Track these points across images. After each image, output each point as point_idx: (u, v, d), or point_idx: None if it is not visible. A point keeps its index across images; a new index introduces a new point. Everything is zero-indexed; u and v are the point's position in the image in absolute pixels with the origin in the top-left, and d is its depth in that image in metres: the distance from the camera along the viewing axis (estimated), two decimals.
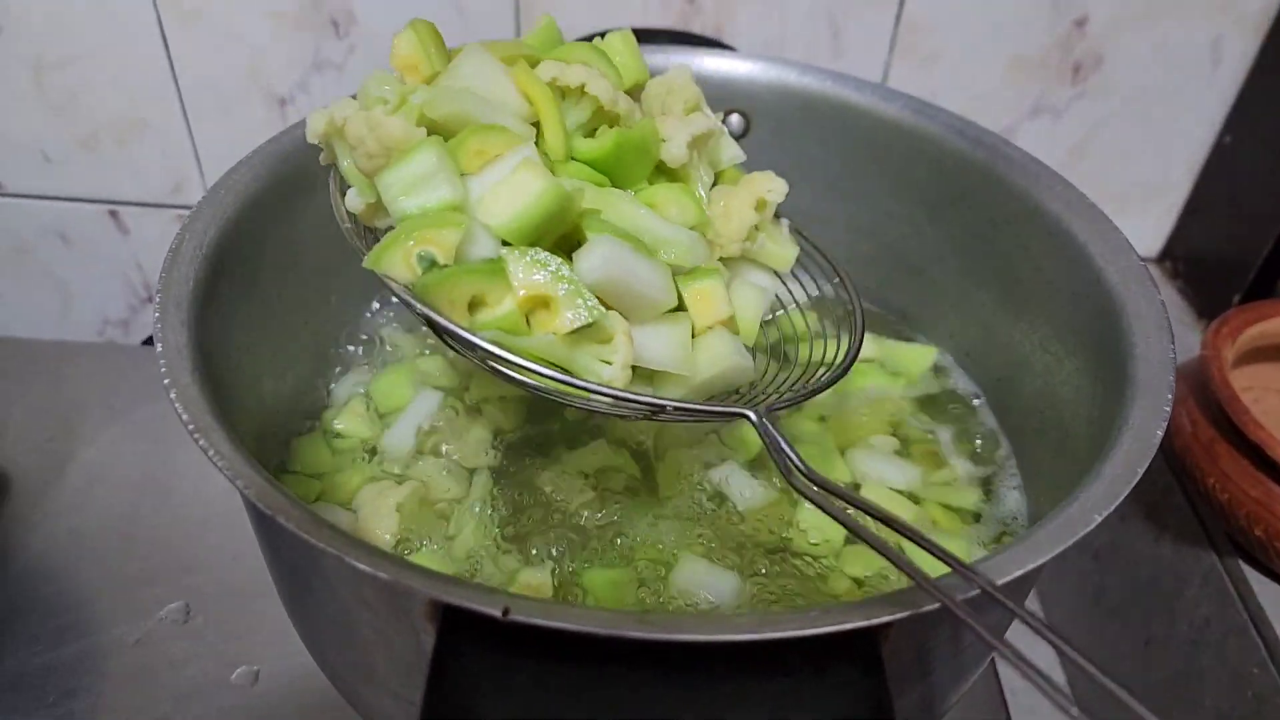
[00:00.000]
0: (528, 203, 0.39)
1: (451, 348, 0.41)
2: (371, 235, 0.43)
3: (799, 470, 0.33)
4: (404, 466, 0.53)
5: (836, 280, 0.46)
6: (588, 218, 0.40)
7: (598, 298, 0.39)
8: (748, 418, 0.38)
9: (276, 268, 0.49)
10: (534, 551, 0.46)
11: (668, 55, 0.54)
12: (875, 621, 0.27)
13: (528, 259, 0.39)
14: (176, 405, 0.33)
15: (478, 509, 0.49)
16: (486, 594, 0.26)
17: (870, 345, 0.59)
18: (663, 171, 0.46)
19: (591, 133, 0.44)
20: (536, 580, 0.44)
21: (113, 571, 0.73)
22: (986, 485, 0.52)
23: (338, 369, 0.59)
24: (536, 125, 0.43)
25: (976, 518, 0.50)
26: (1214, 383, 0.60)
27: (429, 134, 0.41)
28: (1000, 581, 0.29)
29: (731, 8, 0.78)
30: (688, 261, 0.42)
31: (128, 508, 0.78)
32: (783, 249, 0.48)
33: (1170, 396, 0.35)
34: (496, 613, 0.26)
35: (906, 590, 0.28)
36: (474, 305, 0.39)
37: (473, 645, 0.27)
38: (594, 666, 0.26)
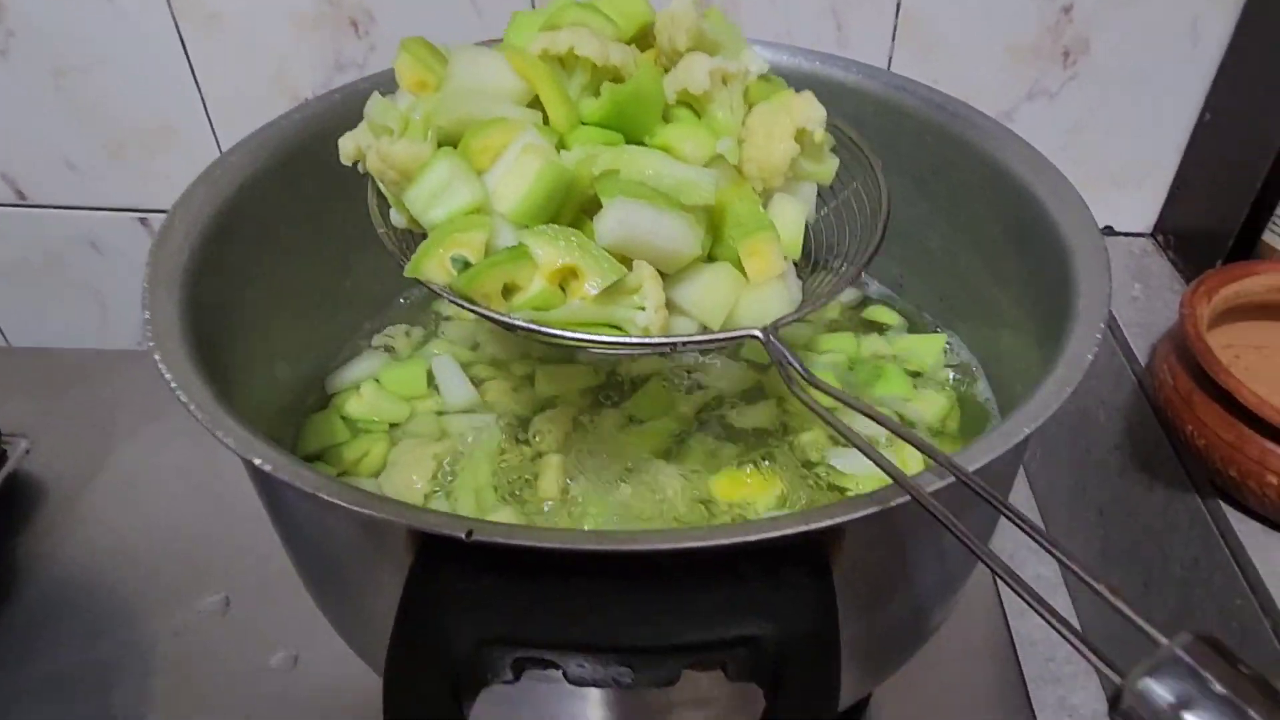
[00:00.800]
0: (530, 185, 0.42)
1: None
2: (408, 236, 0.46)
3: (801, 378, 0.36)
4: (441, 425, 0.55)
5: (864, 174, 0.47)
6: (603, 181, 0.43)
7: (623, 255, 0.42)
8: (756, 337, 0.40)
9: (280, 250, 0.52)
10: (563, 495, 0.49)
11: None
12: (817, 526, 0.29)
13: (546, 237, 0.42)
14: (161, 367, 0.36)
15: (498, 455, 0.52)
16: (451, 519, 0.29)
17: (881, 343, 0.63)
18: (687, 103, 0.47)
19: (598, 90, 0.46)
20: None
21: (151, 569, 0.75)
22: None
23: (349, 354, 0.61)
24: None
25: None
26: (1189, 338, 0.64)
27: (440, 144, 0.44)
28: (971, 468, 0.32)
29: (737, 3, 0.82)
30: (708, 199, 0.43)
31: (165, 507, 0.80)
32: (822, 166, 0.48)
33: (1103, 324, 0.39)
34: (461, 534, 0.28)
35: (859, 498, 0.31)
36: (510, 290, 0.43)
37: (444, 568, 0.29)
38: (557, 581, 0.29)
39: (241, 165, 0.48)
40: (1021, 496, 0.97)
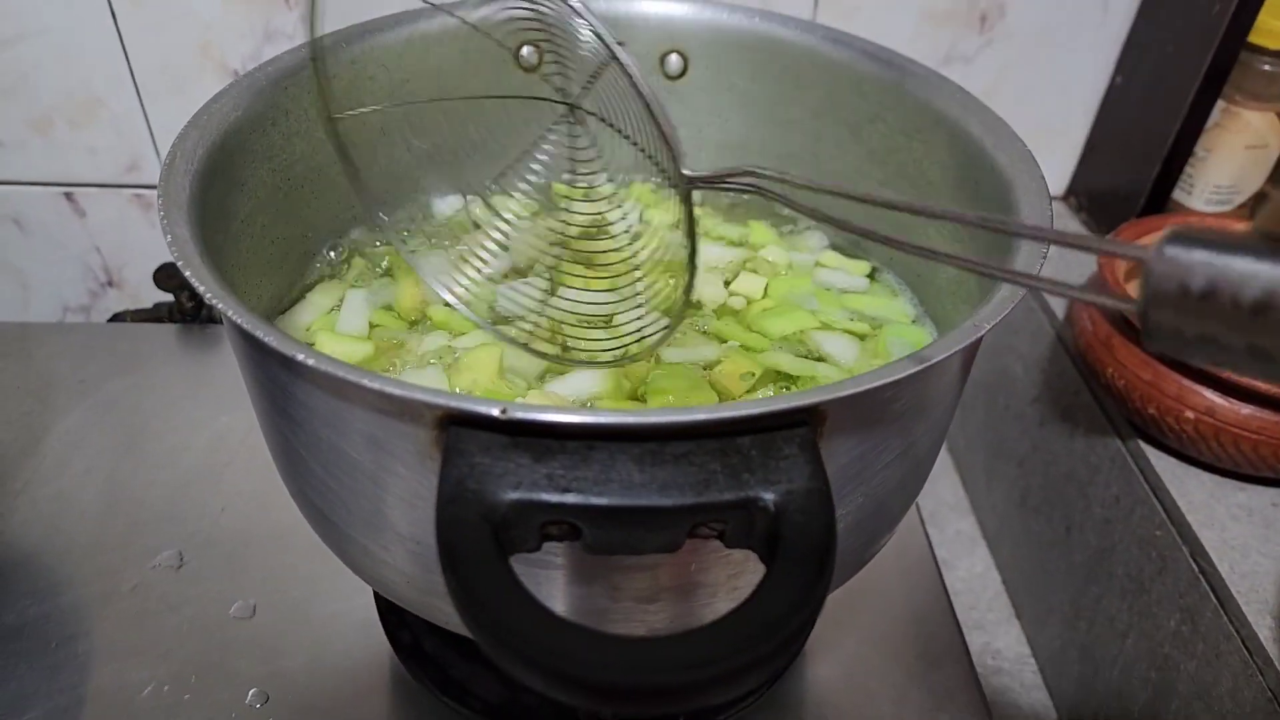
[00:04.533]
0: None
1: None
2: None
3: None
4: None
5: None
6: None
7: None
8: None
9: (267, 190, 0.53)
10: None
11: (611, 1, 0.60)
12: (806, 402, 0.33)
13: None
14: (194, 282, 0.37)
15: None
16: (485, 400, 0.32)
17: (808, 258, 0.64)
18: None
19: None
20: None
21: (100, 529, 0.75)
22: None
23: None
24: None
25: None
26: (1107, 285, 0.68)
27: None
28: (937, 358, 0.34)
29: None
30: None
31: (109, 471, 0.80)
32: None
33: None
34: (495, 412, 0.31)
35: (844, 381, 0.34)
36: None
37: (477, 444, 0.32)
38: (579, 454, 0.32)
39: (225, 111, 0.48)
40: (939, 456, 1.00)
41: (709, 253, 0.60)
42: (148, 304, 0.95)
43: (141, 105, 0.90)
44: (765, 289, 0.58)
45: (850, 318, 0.56)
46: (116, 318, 0.93)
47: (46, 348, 0.91)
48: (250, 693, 0.62)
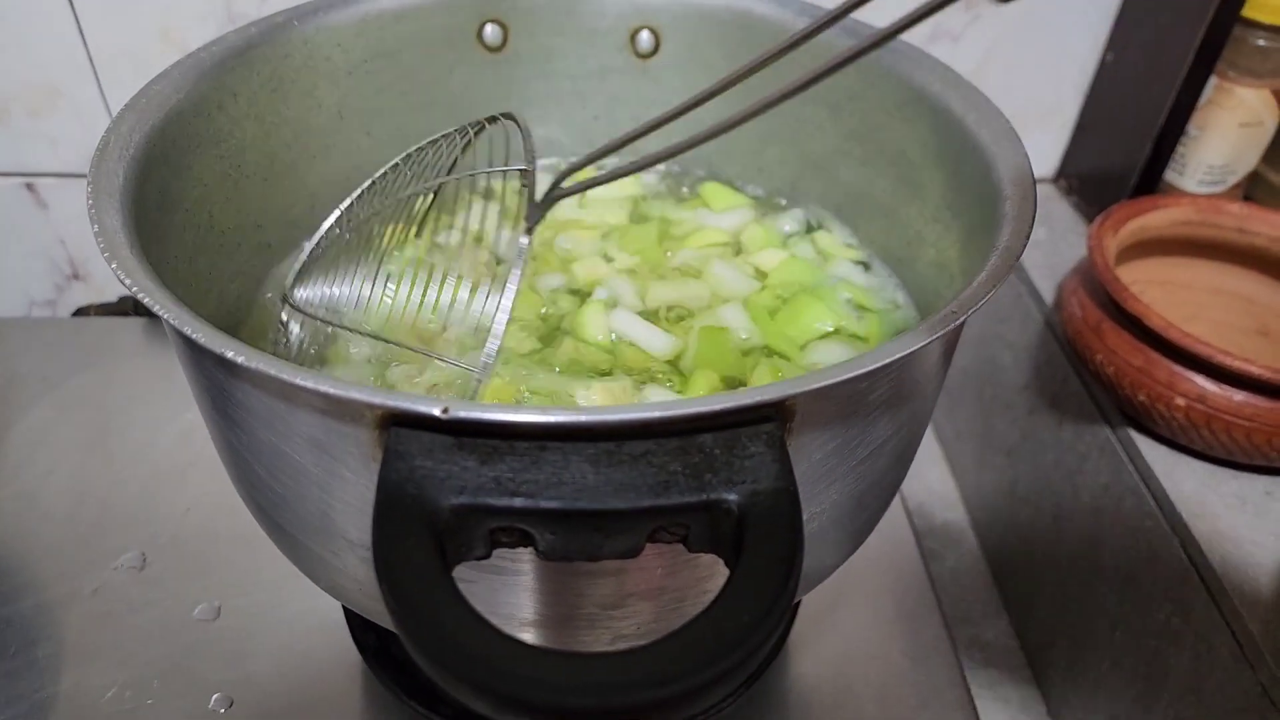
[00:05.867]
0: None
1: None
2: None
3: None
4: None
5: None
6: None
7: None
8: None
9: (215, 177, 0.50)
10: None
11: None
12: (771, 397, 0.31)
13: None
14: (120, 275, 0.35)
15: None
16: (426, 398, 0.30)
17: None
18: None
19: None
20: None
21: (63, 530, 0.73)
22: None
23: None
24: None
25: None
26: (1097, 268, 0.66)
27: None
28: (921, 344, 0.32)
29: None
30: None
31: (72, 469, 0.78)
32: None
33: (1033, 215, 0.39)
34: (436, 411, 0.29)
35: (812, 374, 0.32)
36: None
37: (418, 445, 0.30)
38: (529, 454, 0.30)
39: (165, 94, 0.46)
40: (927, 446, 0.99)
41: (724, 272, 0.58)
42: (113, 298, 0.93)
43: (102, 93, 0.87)
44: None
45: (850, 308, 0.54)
46: (80, 312, 0.91)
47: (9, 343, 0.89)
48: (214, 697, 0.60)
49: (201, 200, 0.49)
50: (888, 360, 0.33)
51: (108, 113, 0.88)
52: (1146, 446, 0.66)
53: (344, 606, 0.62)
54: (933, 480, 0.96)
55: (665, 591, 0.38)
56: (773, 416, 0.32)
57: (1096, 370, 0.67)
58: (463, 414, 0.29)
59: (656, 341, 0.51)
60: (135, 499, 0.75)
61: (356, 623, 0.61)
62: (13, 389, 0.85)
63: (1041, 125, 0.95)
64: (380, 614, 0.42)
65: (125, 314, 0.89)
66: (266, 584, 0.66)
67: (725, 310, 0.54)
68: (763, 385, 0.31)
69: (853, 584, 0.68)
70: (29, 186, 0.93)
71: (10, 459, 0.79)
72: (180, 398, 0.82)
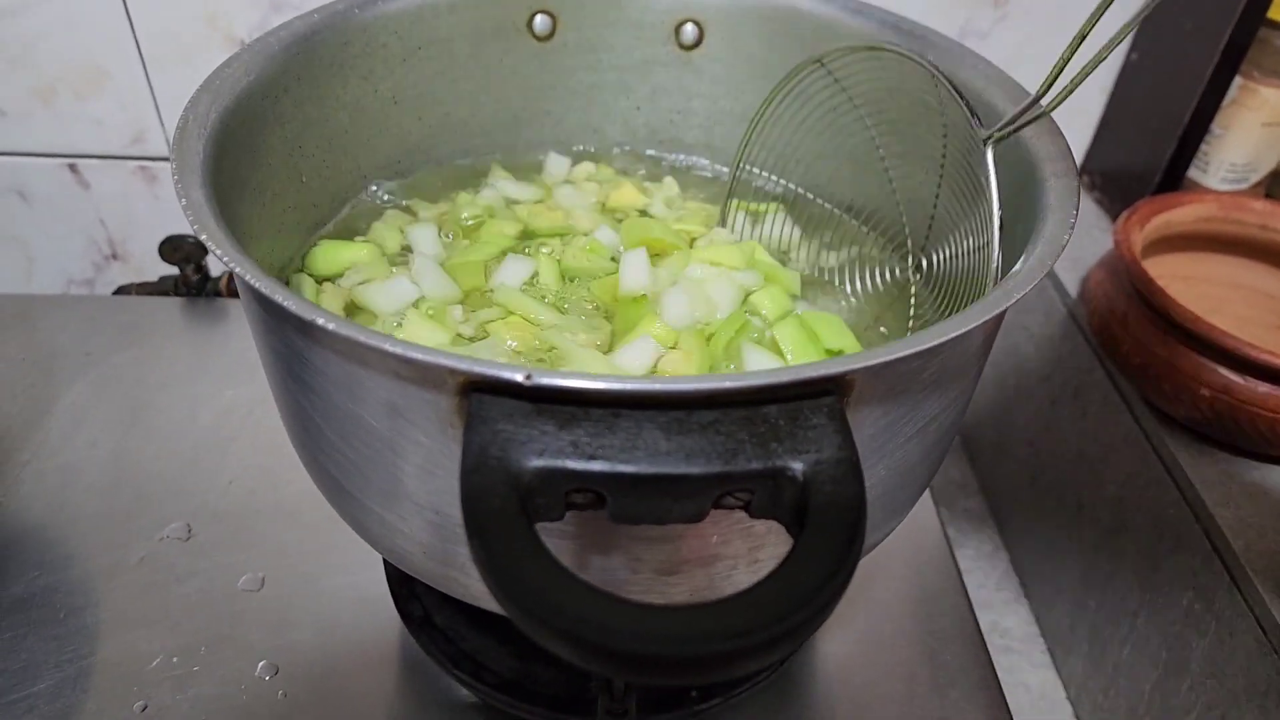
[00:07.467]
0: None
1: None
2: None
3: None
4: None
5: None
6: None
7: None
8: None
9: (278, 158, 0.52)
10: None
11: None
12: (834, 371, 0.33)
13: None
14: (211, 246, 0.36)
15: None
16: (509, 365, 0.31)
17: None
18: None
19: None
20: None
21: (107, 502, 0.75)
22: None
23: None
24: None
25: None
26: (1124, 261, 0.67)
27: None
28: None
29: None
30: None
31: (114, 444, 0.80)
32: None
33: (1076, 211, 0.41)
34: (520, 378, 0.31)
35: (873, 350, 0.34)
36: None
37: (500, 410, 0.31)
38: (605, 421, 0.31)
39: (236, 77, 0.48)
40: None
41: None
42: (152, 277, 0.94)
43: (147, 76, 0.89)
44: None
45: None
46: (121, 290, 0.93)
47: (50, 320, 0.91)
48: (260, 664, 0.62)
49: (265, 180, 0.50)
50: (941, 340, 0.34)
51: (152, 96, 0.90)
52: (1171, 436, 0.67)
53: (388, 579, 0.64)
54: (951, 468, 0.98)
55: (719, 559, 0.40)
56: (833, 390, 0.33)
57: (1122, 361, 0.69)
58: (543, 381, 0.31)
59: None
60: (178, 472, 0.77)
61: (401, 593, 0.62)
62: (55, 364, 0.87)
63: (1066, 122, 0.95)
64: (440, 578, 0.43)
65: (165, 294, 0.91)
66: (309, 556, 0.68)
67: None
68: (824, 360, 0.33)
69: (879, 566, 0.70)
70: (71, 167, 0.95)
71: (54, 432, 0.81)
72: (221, 376, 0.83)
